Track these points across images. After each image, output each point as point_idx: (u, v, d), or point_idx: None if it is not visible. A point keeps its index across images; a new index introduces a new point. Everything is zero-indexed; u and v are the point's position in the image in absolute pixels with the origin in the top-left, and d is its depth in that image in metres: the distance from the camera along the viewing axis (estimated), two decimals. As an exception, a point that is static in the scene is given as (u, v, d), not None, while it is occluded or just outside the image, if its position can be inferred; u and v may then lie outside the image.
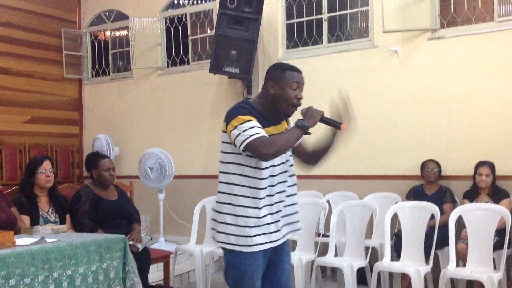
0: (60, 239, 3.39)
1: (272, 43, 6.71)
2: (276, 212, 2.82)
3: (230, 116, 2.76)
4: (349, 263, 4.75)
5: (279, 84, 2.80)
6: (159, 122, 7.53)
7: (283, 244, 2.91)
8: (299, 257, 4.89)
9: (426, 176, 5.49)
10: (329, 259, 5.01)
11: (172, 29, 7.54)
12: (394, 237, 5.11)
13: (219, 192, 2.86)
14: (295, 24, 6.71)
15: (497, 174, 5.13)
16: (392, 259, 4.81)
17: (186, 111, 7.31)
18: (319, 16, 6.55)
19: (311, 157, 3.04)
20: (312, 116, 2.79)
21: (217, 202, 2.87)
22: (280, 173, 2.85)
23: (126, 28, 7.83)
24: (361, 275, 4.96)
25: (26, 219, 4.08)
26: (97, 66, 8.29)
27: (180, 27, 7.47)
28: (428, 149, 5.69)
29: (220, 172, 2.85)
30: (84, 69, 8.33)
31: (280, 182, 2.85)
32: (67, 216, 4.45)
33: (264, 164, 2.74)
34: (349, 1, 6.40)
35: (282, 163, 2.86)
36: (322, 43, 6.52)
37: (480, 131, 5.50)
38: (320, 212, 5.26)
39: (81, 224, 4.43)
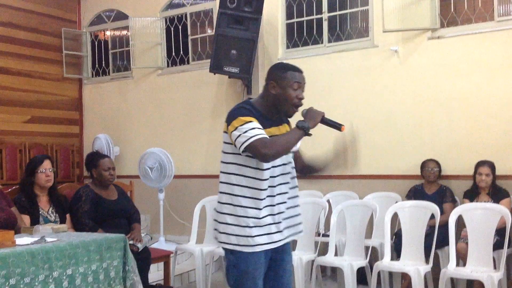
0: (60, 238, 3.39)
1: (272, 42, 6.71)
2: (278, 214, 2.82)
3: (231, 117, 2.75)
4: (349, 262, 4.75)
5: (280, 84, 2.80)
6: (159, 121, 7.53)
7: (285, 243, 2.91)
8: (299, 257, 4.89)
9: (426, 176, 5.49)
10: (329, 259, 5.01)
11: (172, 28, 7.54)
12: (394, 237, 5.11)
13: (220, 192, 2.86)
14: (295, 23, 6.71)
15: (497, 173, 5.13)
16: (392, 259, 4.81)
17: (186, 110, 7.31)
18: (319, 16, 6.55)
19: (304, 168, 3.05)
20: (313, 117, 2.78)
21: (219, 202, 2.87)
22: (281, 174, 2.84)
23: (126, 27, 7.82)
24: (361, 275, 4.96)
25: (26, 219, 4.08)
26: (97, 65, 8.29)
27: (180, 27, 7.47)
28: (428, 148, 5.70)
29: (221, 172, 2.86)
30: (84, 69, 8.33)
31: (281, 183, 2.84)
32: (67, 215, 4.45)
33: (265, 165, 2.74)
34: (349, 0, 6.40)
35: (284, 164, 2.85)
36: (322, 42, 6.52)
37: (480, 131, 5.50)
38: (320, 211, 5.27)
39: (81, 224, 4.43)
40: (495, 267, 4.47)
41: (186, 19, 7.43)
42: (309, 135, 2.75)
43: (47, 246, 3.16)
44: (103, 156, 4.92)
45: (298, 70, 2.85)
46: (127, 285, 3.62)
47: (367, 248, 4.95)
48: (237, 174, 2.78)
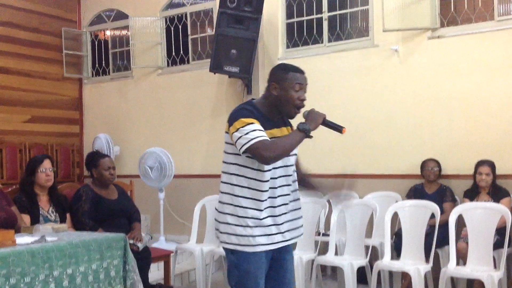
0: (61, 238, 3.39)
1: (272, 42, 6.71)
2: (279, 215, 2.82)
3: (232, 118, 2.75)
4: (349, 262, 4.75)
5: (281, 85, 2.79)
6: (159, 121, 7.53)
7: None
8: (300, 256, 4.89)
9: (426, 175, 5.49)
10: (330, 258, 5.01)
11: (172, 28, 7.54)
12: (394, 236, 5.11)
13: (221, 192, 2.86)
14: (295, 23, 6.71)
15: (497, 173, 5.13)
16: (392, 258, 4.81)
17: (186, 110, 7.31)
18: (319, 15, 6.55)
19: (301, 179, 3.03)
20: (314, 119, 2.78)
21: (219, 202, 2.87)
22: (282, 176, 2.84)
23: (126, 27, 7.82)
24: (361, 274, 4.96)
25: (26, 218, 4.09)
26: (97, 65, 8.29)
27: (180, 27, 7.47)
28: (428, 148, 5.70)
29: (223, 172, 2.86)
30: (84, 69, 8.33)
31: (283, 185, 2.84)
32: (67, 215, 4.45)
33: (266, 166, 2.74)
34: (349, 0, 6.40)
35: (286, 166, 2.85)
36: (322, 42, 6.52)
37: (480, 130, 5.50)
38: (321, 211, 5.27)
39: (82, 223, 4.43)
40: (495, 267, 4.47)
41: (186, 18, 7.43)
42: (310, 137, 2.75)
43: (47, 246, 3.16)
44: (103, 155, 4.92)
45: (300, 71, 2.84)
46: (128, 285, 3.62)
47: (367, 247, 4.95)
48: (238, 175, 2.78)
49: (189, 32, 7.42)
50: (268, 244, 2.78)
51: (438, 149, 5.65)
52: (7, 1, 7.38)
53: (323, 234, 5.45)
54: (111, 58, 8.16)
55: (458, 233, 4.89)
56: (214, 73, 6.41)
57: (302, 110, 2.86)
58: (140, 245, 4.51)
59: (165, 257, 5.11)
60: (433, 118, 5.74)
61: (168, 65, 7.61)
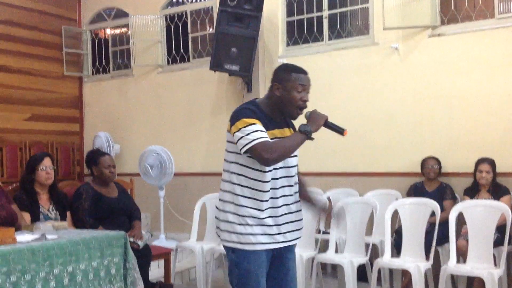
0: (61, 235, 3.39)
1: (273, 40, 6.71)
2: (281, 216, 2.81)
3: (234, 118, 2.74)
4: (350, 259, 4.75)
5: (284, 86, 2.78)
6: (160, 119, 7.53)
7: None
8: (300, 254, 4.88)
9: (426, 173, 5.49)
10: (330, 256, 5.01)
11: (172, 26, 7.53)
12: (394, 234, 5.11)
13: (222, 190, 2.85)
14: (295, 21, 6.71)
15: (498, 170, 5.14)
16: (392, 256, 4.81)
17: (186, 108, 7.31)
18: (319, 14, 6.54)
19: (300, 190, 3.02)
20: (316, 120, 2.77)
21: (220, 200, 2.86)
22: (284, 177, 2.83)
23: (126, 25, 7.82)
24: (362, 272, 4.96)
25: (26, 216, 4.09)
26: (97, 63, 8.29)
27: (180, 25, 7.47)
28: (428, 146, 5.70)
29: (224, 170, 2.86)
30: (85, 67, 8.33)
31: (284, 186, 2.83)
32: (68, 213, 4.45)
33: (267, 167, 2.74)
34: (349, -2, 6.40)
35: (287, 167, 2.84)
36: (322, 40, 6.52)
37: (481, 128, 5.50)
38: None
39: (82, 221, 4.43)
40: (495, 264, 4.47)
41: (186, 17, 7.42)
42: (312, 139, 2.74)
43: (47, 243, 3.16)
44: (104, 153, 4.92)
45: (303, 72, 2.83)
46: (128, 282, 3.63)
47: (367, 245, 4.96)
48: (238, 174, 2.78)
49: (189, 30, 7.41)
50: (268, 243, 2.78)
51: (438, 147, 5.65)
52: (8, -1, 7.39)
53: (323, 232, 5.46)
54: (111, 56, 8.16)
55: (458, 230, 4.89)
56: (215, 71, 6.41)
57: (305, 110, 2.86)
58: (141, 243, 4.51)
59: (165, 255, 5.12)
60: (433, 116, 5.74)
61: (168, 63, 7.60)
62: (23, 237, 3.23)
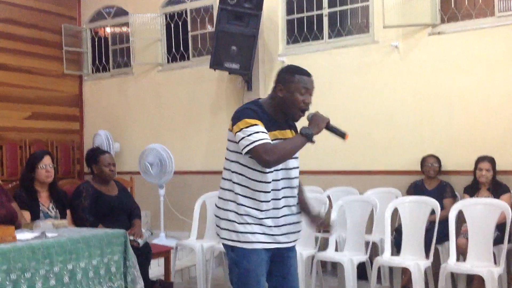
0: (61, 234, 3.39)
1: (273, 38, 6.71)
2: (281, 217, 2.81)
3: (236, 117, 2.74)
4: (350, 258, 4.75)
5: (287, 88, 2.78)
6: (159, 118, 7.53)
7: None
8: (300, 252, 4.87)
9: (426, 171, 5.49)
10: (330, 254, 5.02)
11: (172, 25, 7.53)
12: (394, 232, 5.11)
13: (222, 188, 2.85)
14: (295, 19, 6.71)
15: (498, 169, 5.14)
16: (392, 254, 4.82)
17: (186, 107, 7.31)
18: (319, 12, 6.54)
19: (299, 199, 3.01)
20: (318, 123, 2.76)
21: (220, 198, 2.86)
22: (284, 178, 2.83)
23: (126, 24, 7.82)
24: (362, 270, 4.96)
25: (26, 214, 4.08)
26: (97, 62, 8.29)
27: (180, 23, 7.47)
28: (428, 144, 5.70)
29: (224, 168, 2.86)
30: (84, 65, 8.33)
31: (285, 187, 2.83)
32: (68, 211, 4.45)
33: (267, 168, 2.74)
34: (349, -4, 6.40)
35: (288, 168, 2.83)
36: (322, 38, 6.52)
37: (481, 126, 5.50)
38: (321, 207, 5.26)
39: (82, 220, 4.43)
40: (495, 262, 4.47)
41: (186, 15, 7.42)
42: (313, 142, 2.73)
43: (47, 241, 3.16)
44: (104, 152, 4.91)
45: (307, 74, 2.83)
46: (128, 280, 3.62)
47: (367, 243, 4.96)
48: (239, 173, 2.78)
49: (189, 29, 7.41)
50: (267, 242, 2.78)
51: (438, 145, 5.65)
52: (7, -2, 7.39)
53: (324, 230, 5.45)
54: (111, 54, 8.16)
55: (458, 229, 4.89)
56: (214, 70, 6.41)
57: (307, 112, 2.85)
58: (141, 241, 4.51)
59: (165, 253, 5.12)
60: (433, 114, 5.74)
61: (168, 61, 7.60)
62: (23, 235, 3.23)
